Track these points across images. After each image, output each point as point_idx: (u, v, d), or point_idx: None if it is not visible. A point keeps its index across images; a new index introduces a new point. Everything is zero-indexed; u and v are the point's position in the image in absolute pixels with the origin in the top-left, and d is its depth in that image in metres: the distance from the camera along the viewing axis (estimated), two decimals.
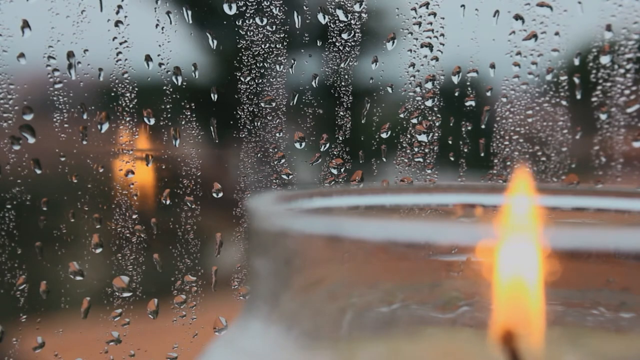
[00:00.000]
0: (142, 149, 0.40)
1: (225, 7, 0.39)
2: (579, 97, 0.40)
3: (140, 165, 0.40)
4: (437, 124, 0.41)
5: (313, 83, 0.41)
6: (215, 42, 0.40)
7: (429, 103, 0.41)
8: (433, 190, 0.26)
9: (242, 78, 0.40)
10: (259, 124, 0.41)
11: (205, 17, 0.40)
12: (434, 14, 0.40)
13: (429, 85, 0.41)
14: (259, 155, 0.41)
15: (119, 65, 0.38)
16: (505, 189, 0.25)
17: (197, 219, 0.41)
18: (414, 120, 0.40)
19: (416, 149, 0.41)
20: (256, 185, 0.41)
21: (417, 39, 0.40)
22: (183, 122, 0.40)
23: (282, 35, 0.40)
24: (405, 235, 0.18)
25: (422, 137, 0.41)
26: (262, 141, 0.41)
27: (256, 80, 0.40)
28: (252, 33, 0.40)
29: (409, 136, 0.41)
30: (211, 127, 0.40)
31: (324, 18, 0.40)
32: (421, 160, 0.41)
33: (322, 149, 0.41)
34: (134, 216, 0.40)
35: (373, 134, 0.41)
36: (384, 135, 0.41)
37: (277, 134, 0.41)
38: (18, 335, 0.39)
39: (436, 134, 0.41)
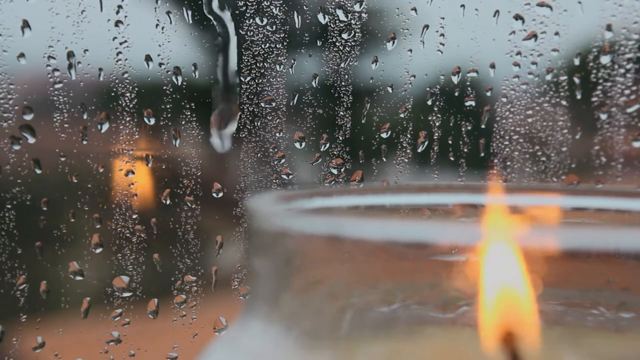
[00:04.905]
0: (142, 149, 0.40)
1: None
2: (579, 97, 0.40)
3: (140, 165, 0.40)
4: (437, 124, 0.41)
5: (313, 83, 0.41)
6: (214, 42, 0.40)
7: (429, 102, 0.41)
8: (433, 190, 0.26)
9: (242, 78, 0.40)
10: (259, 124, 0.41)
11: (205, 17, 0.40)
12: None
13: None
14: (259, 155, 0.41)
15: (119, 65, 0.38)
16: (505, 189, 0.25)
17: (197, 219, 0.41)
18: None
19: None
20: (256, 185, 0.41)
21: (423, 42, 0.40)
22: (183, 122, 0.40)
23: (282, 35, 0.40)
24: (405, 235, 0.18)
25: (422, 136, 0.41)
26: (262, 141, 0.41)
27: (256, 80, 0.40)
28: (252, 33, 0.40)
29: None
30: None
31: (324, 18, 0.40)
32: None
33: (322, 149, 0.41)
34: (134, 216, 0.40)
35: (373, 134, 0.41)
36: (384, 135, 0.41)
37: (277, 134, 0.41)
38: (18, 335, 0.39)
39: (436, 134, 0.41)
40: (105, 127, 0.39)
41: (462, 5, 0.39)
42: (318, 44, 0.40)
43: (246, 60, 0.40)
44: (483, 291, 0.18)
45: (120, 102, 0.39)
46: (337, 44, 0.40)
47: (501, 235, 0.17)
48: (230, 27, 0.39)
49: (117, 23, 0.38)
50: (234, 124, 0.38)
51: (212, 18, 0.39)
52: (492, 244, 0.17)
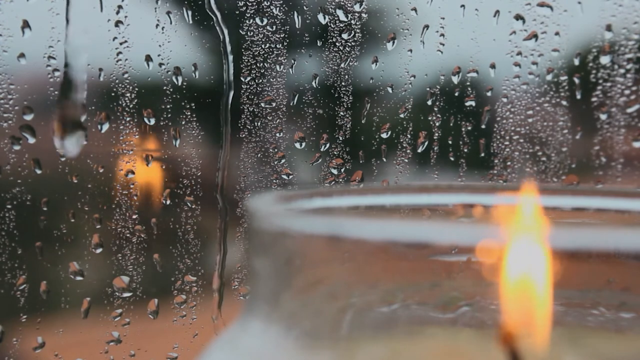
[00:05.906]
0: (142, 149, 0.40)
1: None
2: (579, 97, 0.40)
3: (141, 165, 0.40)
4: (437, 124, 0.41)
5: (313, 83, 0.41)
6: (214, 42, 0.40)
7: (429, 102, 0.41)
8: (433, 190, 0.26)
9: (242, 78, 0.40)
10: (259, 124, 0.41)
11: (205, 18, 0.40)
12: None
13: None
14: (259, 155, 0.41)
15: (119, 65, 0.38)
16: (505, 189, 0.25)
17: (197, 219, 0.41)
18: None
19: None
20: (256, 185, 0.41)
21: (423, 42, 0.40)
22: (183, 122, 0.40)
23: (282, 35, 0.40)
24: (405, 235, 0.18)
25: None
26: (262, 141, 0.41)
27: (256, 80, 0.40)
28: (252, 33, 0.40)
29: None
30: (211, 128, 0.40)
31: (324, 18, 0.40)
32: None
33: (322, 149, 0.41)
34: (134, 216, 0.40)
35: (373, 134, 0.41)
36: (384, 135, 0.41)
37: (277, 134, 0.41)
38: (18, 335, 0.39)
39: (436, 134, 0.41)
40: (105, 127, 0.39)
41: (462, 5, 0.39)
42: (318, 44, 0.40)
43: (246, 60, 0.40)
44: (483, 291, 0.18)
45: (120, 102, 0.39)
46: (337, 44, 0.40)
47: (501, 235, 0.17)
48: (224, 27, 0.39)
49: (117, 23, 0.38)
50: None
51: (211, 14, 0.39)
52: (492, 244, 0.17)
